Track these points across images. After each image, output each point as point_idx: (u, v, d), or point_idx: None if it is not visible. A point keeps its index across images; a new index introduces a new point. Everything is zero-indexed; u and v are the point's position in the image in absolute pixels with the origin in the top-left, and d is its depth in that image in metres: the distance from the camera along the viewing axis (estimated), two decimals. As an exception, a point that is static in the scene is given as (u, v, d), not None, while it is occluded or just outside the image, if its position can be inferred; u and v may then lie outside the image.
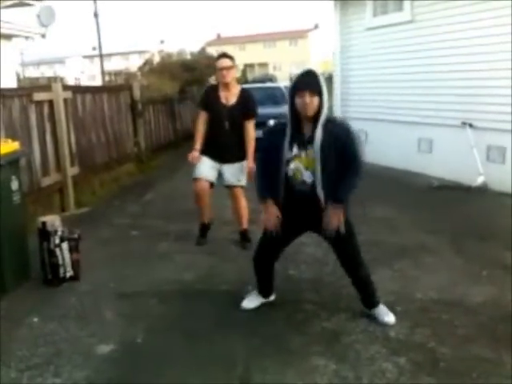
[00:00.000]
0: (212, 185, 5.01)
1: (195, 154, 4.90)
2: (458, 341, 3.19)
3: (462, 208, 6.31)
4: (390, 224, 5.69)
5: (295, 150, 3.21)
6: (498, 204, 6.42)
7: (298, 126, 3.24)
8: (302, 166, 3.19)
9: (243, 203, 5.09)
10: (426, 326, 3.35)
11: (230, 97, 4.93)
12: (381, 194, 7.01)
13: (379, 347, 3.13)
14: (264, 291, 3.72)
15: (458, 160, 7.63)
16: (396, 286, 4.00)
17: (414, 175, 8.27)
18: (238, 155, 4.96)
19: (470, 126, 7.36)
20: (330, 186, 3.15)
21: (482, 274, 4.22)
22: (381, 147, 9.33)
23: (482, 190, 7.00)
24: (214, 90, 5.02)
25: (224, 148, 4.91)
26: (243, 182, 5.01)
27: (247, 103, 4.97)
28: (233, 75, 4.93)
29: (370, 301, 3.48)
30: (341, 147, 3.13)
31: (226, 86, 4.91)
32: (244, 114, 4.92)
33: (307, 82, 3.14)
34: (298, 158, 3.20)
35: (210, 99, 4.98)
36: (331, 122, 3.21)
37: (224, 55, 5.02)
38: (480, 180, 7.14)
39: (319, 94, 3.11)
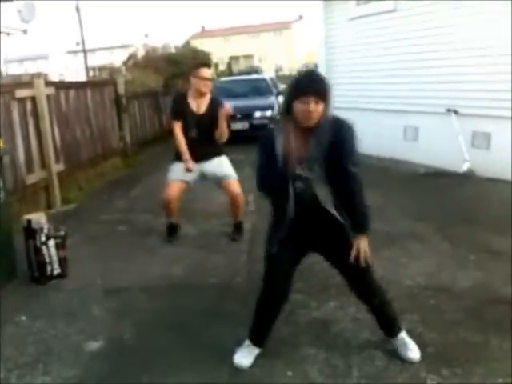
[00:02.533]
0: (188, 184, 4.96)
1: (190, 164, 4.75)
2: (446, 326, 3.21)
3: (449, 194, 6.34)
4: (377, 211, 5.65)
5: None
6: (484, 190, 6.47)
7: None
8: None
9: (242, 200, 4.97)
10: (414, 312, 3.38)
11: (201, 105, 4.88)
12: (367, 183, 6.99)
13: (368, 335, 3.14)
14: (259, 339, 3.02)
15: (443, 147, 7.66)
16: (384, 272, 4.01)
17: (400, 163, 8.30)
18: (212, 152, 4.91)
19: (455, 112, 7.39)
20: (330, 191, 2.70)
21: (470, 259, 4.26)
22: (367, 136, 9.22)
23: (468, 176, 7.06)
24: (183, 97, 4.96)
25: (195, 151, 4.81)
26: (231, 173, 4.94)
27: (217, 113, 4.86)
28: (209, 87, 4.91)
29: (388, 329, 2.99)
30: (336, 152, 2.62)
31: (202, 95, 4.87)
32: (215, 123, 4.82)
33: (312, 85, 2.59)
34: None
35: (180, 107, 4.92)
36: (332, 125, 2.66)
37: (205, 64, 5.02)
38: (466, 166, 7.18)
39: (325, 100, 2.59)
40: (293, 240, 2.80)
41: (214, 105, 4.90)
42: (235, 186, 4.92)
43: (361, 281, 2.88)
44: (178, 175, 4.88)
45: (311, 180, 2.66)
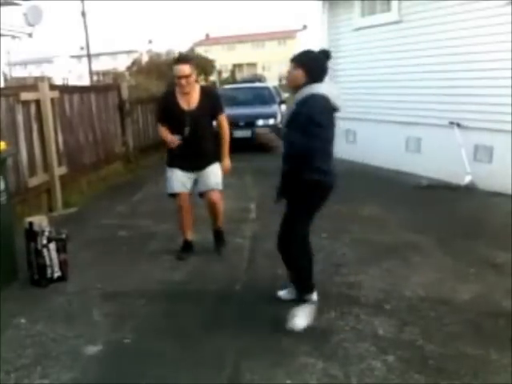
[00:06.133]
0: (190, 194, 4.79)
1: (172, 137, 4.56)
2: (446, 338, 3.20)
3: (450, 207, 6.34)
4: (378, 223, 5.71)
5: None
6: (486, 203, 6.47)
7: None
8: None
9: (221, 208, 4.80)
10: (414, 324, 3.37)
11: (190, 100, 4.54)
12: (369, 194, 7.04)
13: (368, 345, 3.14)
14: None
15: (445, 159, 7.67)
16: (384, 284, 4.02)
17: (402, 175, 8.30)
18: (207, 159, 4.67)
19: (458, 125, 7.40)
20: None
21: (470, 272, 4.25)
22: (369, 147, 9.39)
23: (470, 190, 7.05)
24: (172, 95, 4.61)
25: (191, 156, 4.57)
26: (220, 185, 4.74)
27: (212, 102, 4.63)
28: (192, 82, 4.47)
29: (297, 286, 3.56)
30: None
31: (186, 93, 4.52)
32: (212, 114, 4.66)
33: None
34: None
35: (168, 107, 4.61)
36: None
37: (181, 60, 4.57)
38: (467, 179, 7.18)
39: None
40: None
41: (206, 96, 4.60)
42: (217, 195, 4.72)
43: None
44: (180, 186, 4.67)
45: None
